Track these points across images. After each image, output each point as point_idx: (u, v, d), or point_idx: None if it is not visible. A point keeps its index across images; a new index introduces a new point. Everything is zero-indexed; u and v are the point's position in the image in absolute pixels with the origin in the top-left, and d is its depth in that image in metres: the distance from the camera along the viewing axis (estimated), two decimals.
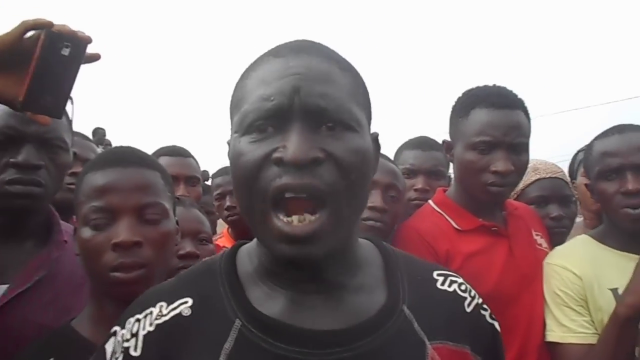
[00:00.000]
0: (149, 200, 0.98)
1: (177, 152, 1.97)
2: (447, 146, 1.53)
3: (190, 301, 0.67)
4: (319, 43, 0.68)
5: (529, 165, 1.81)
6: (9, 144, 1.13)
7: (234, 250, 0.74)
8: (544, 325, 1.41)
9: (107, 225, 0.95)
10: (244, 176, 0.61)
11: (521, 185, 1.83)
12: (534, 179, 1.84)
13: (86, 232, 0.96)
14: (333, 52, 0.68)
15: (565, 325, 1.36)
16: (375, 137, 0.70)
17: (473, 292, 0.77)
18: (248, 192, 0.61)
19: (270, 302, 0.66)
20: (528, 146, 1.43)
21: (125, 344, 0.64)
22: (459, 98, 1.51)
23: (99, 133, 7.98)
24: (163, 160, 1.86)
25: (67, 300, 1.15)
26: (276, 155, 0.59)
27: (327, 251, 0.61)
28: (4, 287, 1.10)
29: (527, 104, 1.46)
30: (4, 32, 0.93)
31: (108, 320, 0.90)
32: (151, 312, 0.66)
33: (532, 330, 1.41)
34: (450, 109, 1.52)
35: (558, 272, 1.42)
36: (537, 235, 1.57)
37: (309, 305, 0.66)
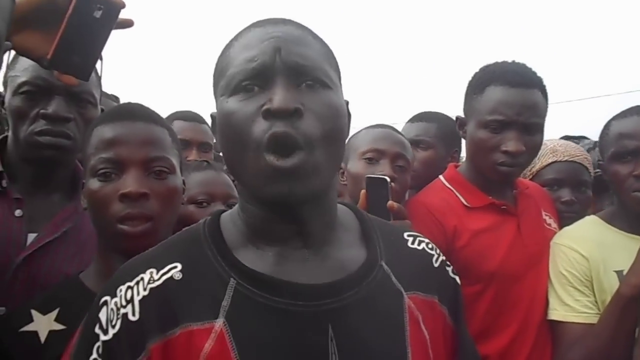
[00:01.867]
0: (156, 154, 0.99)
1: (192, 118, 1.99)
2: (460, 122, 1.54)
3: (179, 266, 0.69)
4: (294, 21, 0.75)
5: (548, 147, 1.82)
6: (39, 95, 1.17)
7: (216, 217, 0.77)
8: (546, 303, 1.43)
9: (115, 177, 0.96)
10: (237, 132, 0.66)
11: (537, 166, 1.83)
12: (550, 161, 1.82)
13: (94, 184, 0.97)
14: (306, 26, 0.74)
15: (569, 305, 1.38)
16: (346, 103, 0.75)
17: (439, 250, 0.85)
18: (241, 144, 0.66)
19: (259, 261, 0.70)
20: (542, 127, 1.43)
21: (122, 310, 0.66)
22: (476, 74, 1.50)
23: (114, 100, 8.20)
24: (177, 124, 1.90)
25: (91, 253, 1.19)
26: (265, 107, 0.64)
27: (310, 189, 0.66)
28: (33, 235, 1.17)
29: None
30: None
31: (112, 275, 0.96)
32: (142, 279, 0.69)
33: (533, 309, 1.43)
34: (466, 85, 1.52)
35: (565, 252, 1.43)
36: (546, 215, 1.58)
37: (297, 261, 0.71)
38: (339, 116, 0.70)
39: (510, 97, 1.38)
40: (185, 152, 1.89)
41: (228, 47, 0.73)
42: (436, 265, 0.81)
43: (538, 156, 1.89)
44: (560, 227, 1.60)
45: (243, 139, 0.65)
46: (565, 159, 1.82)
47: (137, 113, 1.04)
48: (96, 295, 0.93)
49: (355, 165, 1.50)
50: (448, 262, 0.85)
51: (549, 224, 1.56)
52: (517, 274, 1.42)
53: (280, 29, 0.69)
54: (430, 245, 0.84)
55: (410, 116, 2.10)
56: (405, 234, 0.83)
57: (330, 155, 0.68)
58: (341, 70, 0.77)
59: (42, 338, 0.94)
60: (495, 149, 1.40)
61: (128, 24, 1.04)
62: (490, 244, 1.42)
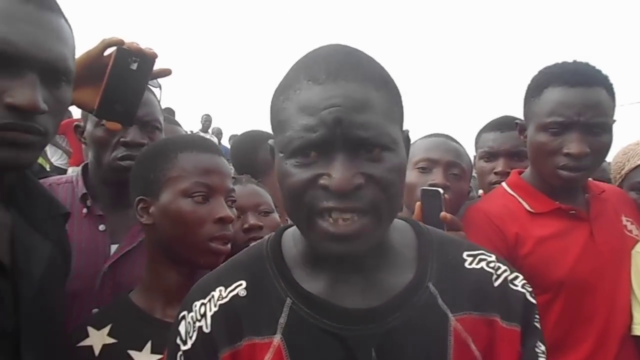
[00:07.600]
0: (232, 186, 1.18)
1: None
2: (520, 128, 1.48)
3: (244, 283, 0.77)
4: (353, 58, 0.70)
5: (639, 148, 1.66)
6: None
7: (279, 235, 0.83)
8: (631, 317, 1.31)
9: (206, 201, 1.10)
10: (291, 195, 0.68)
11: (626, 168, 1.68)
12: (639, 162, 1.67)
13: (187, 205, 1.09)
14: (367, 68, 0.70)
15: None
16: (406, 135, 0.75)
17: (503, 268, 0.80)
18: (296, 206, 0.69)
19: (313, 282, 0.75)
20: (609, 126, 1.32)
21: (198, 324, 0.76)
22: (534, 77, 1.44)
23: (206, 119, 9.62)
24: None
25: None
26: (322, 182, 0.66)
27: (368, 247, 0.69)
28: (115, 246, 1.35)
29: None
30: (87, 50, 1.10)
31: (161, 292, 1.11)
32: (213, 296, 0.77)
33: (613, 322, 1.32)
34: (525, 89, 1.46)
35: None
36: (627, 221, 1.44)
37: (347, 285, 0.75)
38: (400, 177, 0.70)
39: (570, 97, 1.30)
40: None
41: (284, 96, 0.70)
42: (496, 284, 0.77)
43: (627, 158, 1.73)
44: None
45: (297, 202, 0.68)
46: None
47: (217, 149, 1.20)
48: (142, 311, 1.08)
49: (409, 175, 1.50)
50: (514, 277, 0.79)
51: (630, 231, 1.43)
52: (590, 284, 1.32)
53: (340, 90, 0.65)
54: (492, 265, 0.79)
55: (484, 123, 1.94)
56: (465, 254, 0.80)
57: (392, 210, 0.70)
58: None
59: (97, 351, 1.04)
60: (556, 152, 1.32)
61: (166, 73, 1.17)
62: (557, 250, 1.34)
